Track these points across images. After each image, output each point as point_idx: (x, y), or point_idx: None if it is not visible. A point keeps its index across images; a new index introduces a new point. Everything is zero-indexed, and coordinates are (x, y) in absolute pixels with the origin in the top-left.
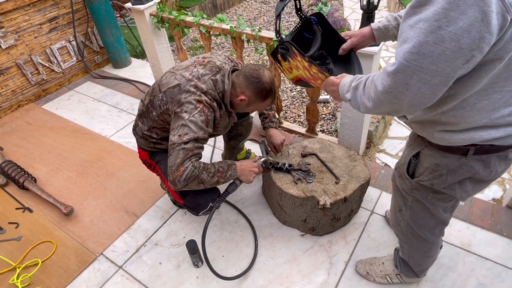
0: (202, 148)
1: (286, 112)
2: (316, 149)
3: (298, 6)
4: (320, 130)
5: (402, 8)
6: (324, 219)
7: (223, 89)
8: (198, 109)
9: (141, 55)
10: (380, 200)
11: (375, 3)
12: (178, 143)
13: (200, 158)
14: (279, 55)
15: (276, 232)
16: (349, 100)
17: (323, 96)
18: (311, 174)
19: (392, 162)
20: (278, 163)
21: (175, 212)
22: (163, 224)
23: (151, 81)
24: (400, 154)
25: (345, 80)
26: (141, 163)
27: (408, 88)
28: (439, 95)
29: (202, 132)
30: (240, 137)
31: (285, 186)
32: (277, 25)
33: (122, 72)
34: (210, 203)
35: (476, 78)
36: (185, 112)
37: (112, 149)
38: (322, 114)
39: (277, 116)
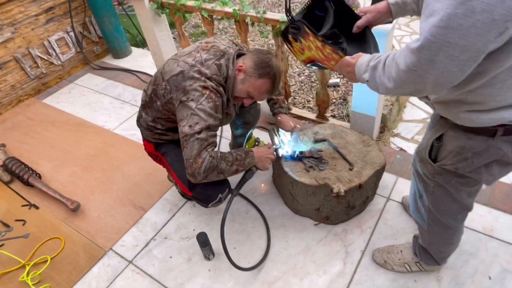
0: (216, 135)
1: (294, 98)
2: (328, 135)
3: None
4: (331, 115)
5: None
6: (338, 208)
7: (227, 74)
8: (205, 95)
9: (142, 44)
10: (396, 186)
11: None
12: (190, 134)
13: (215, 146)
14: (290, 35)
15: (288, 222)
16: (367, 81)
17: (333, 79)
18: (323, 161)
19: (408, 147)
20: (288, 151)
21: (183, 205)
22: (172, 217)
23: (153, 71)
24: (416, 137)
25: (362, 59)
26: (146, 156)
27: (434, 66)
28: (468, 72)
29: (212, 119)
30: (248, 125)
31: (296, 174)
32: (287, 2)
33: (123, 62)
34: (220, 194)
35: (508, 52)
36: (192, 100)
37: (116, 142)
38: (332, 98)
39: (286, 102)
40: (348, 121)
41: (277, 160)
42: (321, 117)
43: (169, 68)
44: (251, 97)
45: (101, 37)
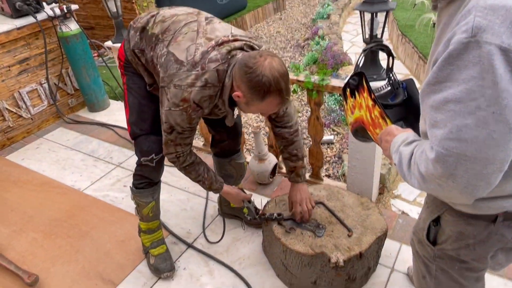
0: (189, 137)
1: None
2: (323, 197)
3: (390, 65)
4: (326, 175)
5: (406, 41)
6: (338, 280)
7: (223, 82)
8: (180, 108)
9: (121, 96)
10: (400, 254)
11: (378, 36)
12: (163, 127)
13: (188, 145)
14: (347, 89)
15: None
16: (395, 164)
17: (327, 136)
18: (320, 226)
19: (410, 210)
20: (265, 214)
21: (158, 280)
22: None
23: None
24: (418, 199)
25: (399, 137)
26: (120, 220)
27: (455, 180)
28: (495, 183)
29: (180, 128)
30: (231, 179)
31: (289, 241)
32: (359, 59)
33: (100, 116)
34: (153, 155)
35: None
36: (167, 100)
37: (86, 205)
38: (326, 157)
39: (306, 166)
40: (345, 181)
41: (265, 224)
42: (315, 176)
43: (183, 38)
44: (264, 114)
45: (77, 89)
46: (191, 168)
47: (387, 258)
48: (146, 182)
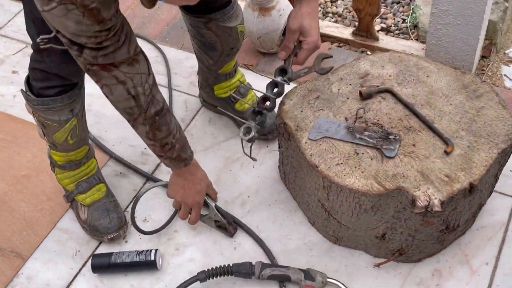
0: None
1: None
2: (391, 78)
3: None
4: (381, 29)
5: None
6: (425, 232)
7: None
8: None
9: None
10: None
11: None
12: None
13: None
14: None
15: (321, 259)
16: None
17: None
18: (391, 136)
19: None
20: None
21: (100, 244)
22: (80, 269)
23: None
24: None
25: None
26: (13, 137)
27: None
28: None
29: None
30: (215, 52)
31: (336, 169)
32: None
33: None
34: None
35: None
36: None
37: None
38: None
39: None
40: (417, 39)
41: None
42: (365, 32)
43: None
44: None
45: None
46: (161, 119)
47: (508, 179)
48: (56, 86)
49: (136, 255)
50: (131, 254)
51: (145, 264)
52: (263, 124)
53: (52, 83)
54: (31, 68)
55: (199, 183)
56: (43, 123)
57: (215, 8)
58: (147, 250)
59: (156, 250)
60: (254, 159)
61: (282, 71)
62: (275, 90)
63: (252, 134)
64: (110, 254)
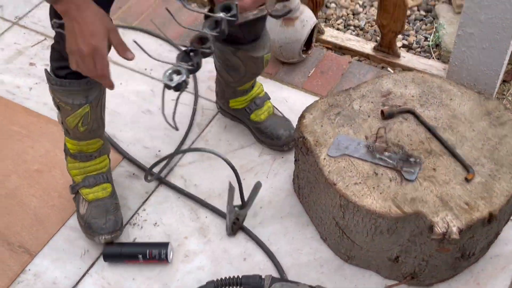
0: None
1: (331, 8)
2: (413, 98)
3: None
4: (402, 46)
5: None
6: (440, 258)
7: None
8: None
9: None
10: None
11: None
12: None
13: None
14: None
15: (331, 277)
16: None
17: None
18: (412, 159)
19: None
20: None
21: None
22: (88, 270)
23: None
24: None
25: None
26: (30, 130)
27: None
28: None
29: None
30: (237, 73)
31: (354, 188)
32: None
33: None
34: None
35: None
36: None
37: None
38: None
39: None
40: (439, 58)
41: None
42: (387, 48)
43: None
44: None
45: None
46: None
47: None
48: (67, 67)
49: (148, 248)
50: (143, 245)
51: (157, 257)
52: (197, 68)
53: (63, 63)
54: (51, 47)
55: (92, 22)
56: (58, 105)
57: (246, 42)
58: (160, 243)
59: (168, 244)
60: (176, 129)
61: (226, 8)
62: (216, 30)
63: (183, 77)
64: (123, 243)
